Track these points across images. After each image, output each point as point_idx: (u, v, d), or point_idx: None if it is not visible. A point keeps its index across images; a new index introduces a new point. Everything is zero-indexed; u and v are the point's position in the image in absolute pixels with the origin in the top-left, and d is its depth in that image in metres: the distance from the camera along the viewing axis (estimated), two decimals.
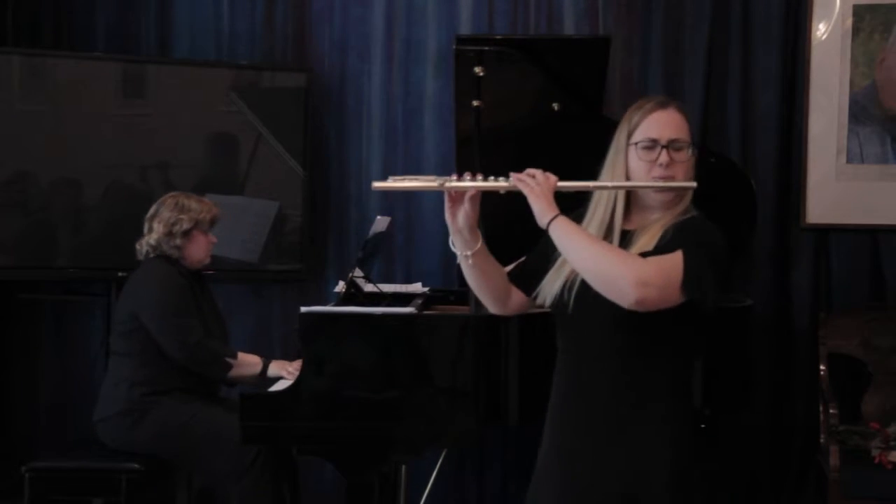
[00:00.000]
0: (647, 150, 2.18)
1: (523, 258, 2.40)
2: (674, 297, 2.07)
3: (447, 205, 2.22)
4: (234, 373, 3.62)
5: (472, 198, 2.20)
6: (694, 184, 2.19)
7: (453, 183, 2.18)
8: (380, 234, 3.99)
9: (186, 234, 3.66)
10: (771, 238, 4.33)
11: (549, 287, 2.23)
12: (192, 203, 3.71)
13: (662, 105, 2.22)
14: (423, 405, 3.05)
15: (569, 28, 4.46)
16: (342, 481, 3.19)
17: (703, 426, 3.47)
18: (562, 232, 2.13)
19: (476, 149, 3.36)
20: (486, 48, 3.34)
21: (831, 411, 3.87)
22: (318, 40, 4.61)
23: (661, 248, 2.11)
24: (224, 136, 4.44)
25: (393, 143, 4.57)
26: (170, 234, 3.65)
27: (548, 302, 2.24)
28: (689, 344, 2.20)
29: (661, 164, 2.17)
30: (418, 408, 3.06)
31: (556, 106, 3.45)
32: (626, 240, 2.20)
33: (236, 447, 3.32)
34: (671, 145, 2.18)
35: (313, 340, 3.09)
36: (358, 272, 3.75)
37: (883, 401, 4.12)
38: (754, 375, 3.73)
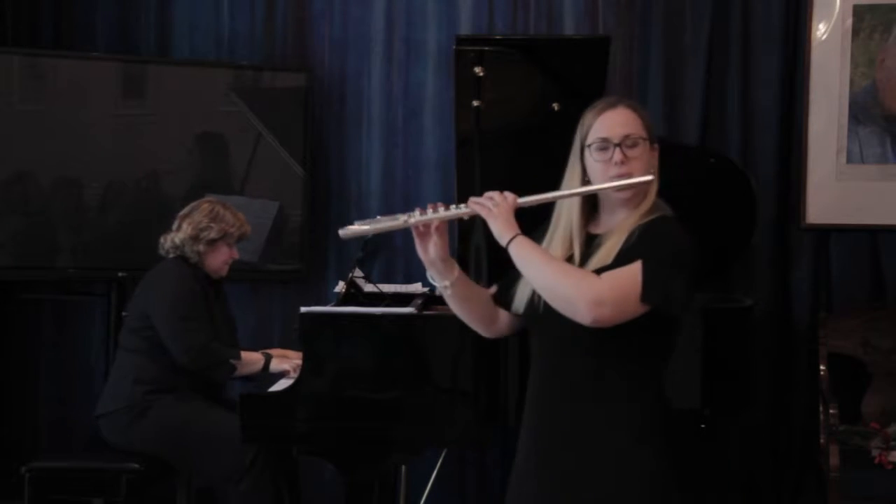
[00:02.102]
0: (602, 151, 2.19)
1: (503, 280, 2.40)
2: (633, 309, 2.09)
3: (417, 241, 2.24)
4: (238, 372, 3.64)
5: (439, 228, 2.23)
6: (650, 177, 2.19)
7: (416, 218, 2.21)
8: (380, 234, 3.98)
9: (212, 242, 3.68)
10: (771, 238, 4.33)
11: (522, 293, 2.25)
12: (228, 215, 3.72)
13: (612, 105, 2.23)
14: (423, 405, 3.05)
15: (569, 28, 4.46)
16: (342, 481, 3.19)
17: (703, 426, 3.47)
18: (520, 253, 2.16)
19: (476, 149, 3.36)
20: (486, 48, 3.34)
21: (831, 411, 3.87)
22: (318, 40, 4.61)
23: (624, 253, 2.13)
24: (224, 136, 4.44)
25: (393, 143, 4.57)
26: (196, 238, 3.66)
27: (521, 308, 2.26)
28: (659, 348, 2.21)
29: (616, 163, 2.18)
30: (418, 408, 3.06)
31: (556, 106, 3.44)
32: (593, 244, 2.21)
33: (236, 447, 3.32)
34: (624, 142, 2.18)
35: (313, 340, 3.09)
36: (358, 272, 3.75)
37: (883, 401, 4.12)
38: (754, 375, 3.73)
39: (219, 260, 3.73)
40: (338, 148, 4.61)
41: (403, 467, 3.75)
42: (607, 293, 2.07)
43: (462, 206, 2.22)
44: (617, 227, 2.20)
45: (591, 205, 2.25)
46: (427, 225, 2.22)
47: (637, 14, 4.43)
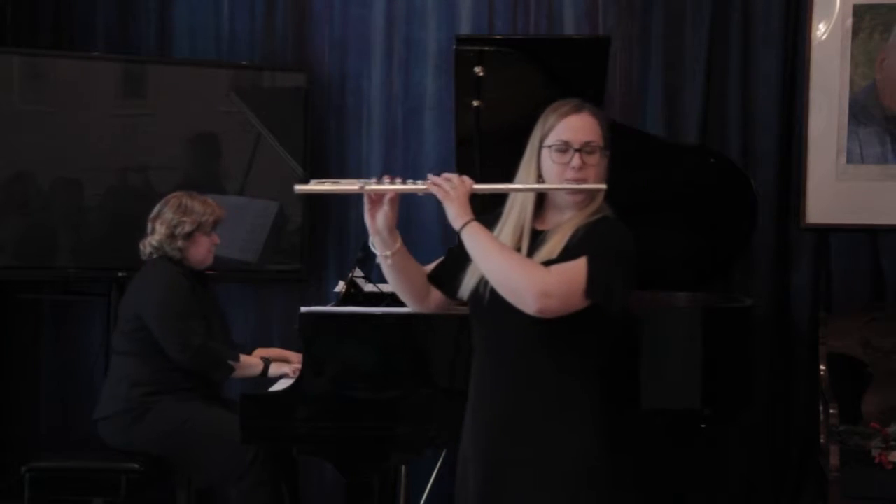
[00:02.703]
0: (561, 153, 2.25)
1: (442, 258, 2.47)
2: (577, 303, 2.15)
3: (367, 206, 2.31)
4: (235, 375, 3.65)
5: (391, 200, 2.29)
6: (604, 186, 2.26)
7: (373, 186, 2.27)
8: None
9: (188, 236, 3.66)
10: (771, 238, 4.33)
11: (468, 280, 2.31)
12: (196, 204, 3.70)
13: (577, 109, 2.28)
14: (423, 405, 3.05)
15: (569, 28, 4.46)
16: (342, 481, 3.19)
17: (703, 426, 3.47)
18: (473, 238, 2.22)
19: (476, 149, 3.36)
20: (486, 48, 3.33)
21: (831, 411, 3.87)
22: (318, 40, 4.61)
23: (569, 250, 2.18)
24: (224, 136, 4.44)
25: (393, 143, 4.57)
26: (172, 237, 3.65)
27: (465, 294, 2.32)
28: (595, 344, 2.25)
29: (573, 167, 2.24)
30: (418, 408, 3.06)
31: None
32: (538, 240, 2.27)
33: (236, 447, 3.32)
34: (584, 148, 2.24)
35: (313, 340, 3.09)
36: (358, 272, 3.75)
37: (883, 401, 4.12)
38: (754, 375, 3.73)
39: (201, 250, 3.71)
40: (338, 148, 4.61)
41: (403, 467, 3.75)
42: (555, 286, 2.14)
43: (420, 182, 2.28)
44: (563, 224, 2.26)
45: (538, 201, 2.32)
46: (381, 195, 2.28)
47: (637, 14, 4.43)
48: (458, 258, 2.34)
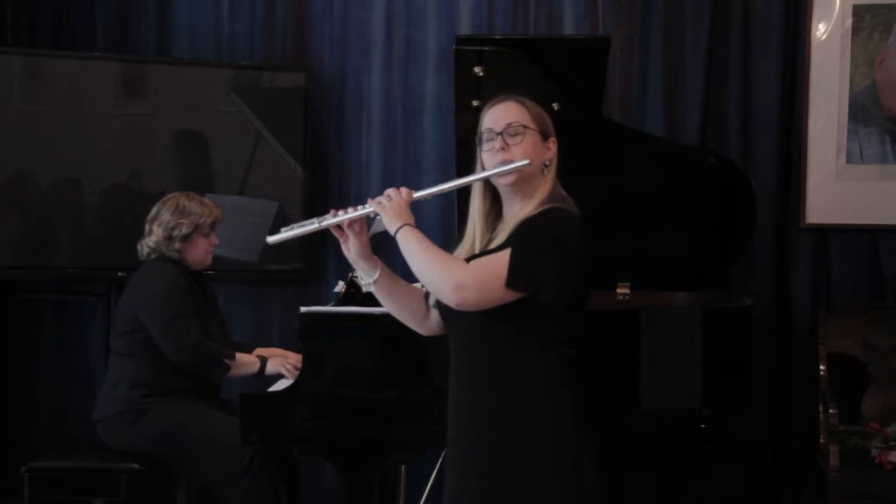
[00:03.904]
0: (488, 142, 2.32)
1: None
2: (497, 295, 2.20)
3: (341, 241, 2.40)
4: (232, 373, 3.63)
5: (353, 228, 2.37)
6: (524, 161, 2.27)
7: (328, 220, 2.36)
8: (380, 235, 3.97)
9: (186, 237, 3.65)
10: (771, 238, 4.32)
11: None
12: (194, 206, 3.69)
13: (501, 100, 2.36)
14: (424, 405, 3.05)
15: (569, 28, 4.46)
16: (342, 481, 3.19)
17: (703, 426, 3.47)
18: (403, 242, 2.31)
19: (476, 149, 3.35)
20: (486, 48, 3.34)
21: (831, 411, 3.87)
22: (318, 40, 4.61)
23: (506, 242, 2.24)
24: (224, 136, 4.44)
25: (393, 143, 4.57)
26: (169, 238, 3.64)
27: (431, 300, 2.40)
28: (549, 335, 2.26)
29: (497, 149, 2.30)
30: (418, 408, 3.06)
31: (556, 106, 3.44)
32: (491, 236, 2.34)
33: (235, 448, 3.31)
34: (506, 131, 2.30)
35: (313, 340, 3.09)
36: (358, 272, 3.74)
37: (883, 401, 4.12)
38: (754, 375, 3.73)
39: (199, 252, 3.70)
40: (338, 148, 4.61)
41: (403, 467, 3.75)
42: (470, 279, 2.20)
43: (364, 206, 2.37)
44: (512, 217, 2.31)
45: (493, 198, 2.37)
46: (339, 226, 2.37)
47: (637, 14, 4.42)
48: None
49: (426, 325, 2.48)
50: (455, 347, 2.36)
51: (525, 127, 2.30)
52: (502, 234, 2.28)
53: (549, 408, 2.25)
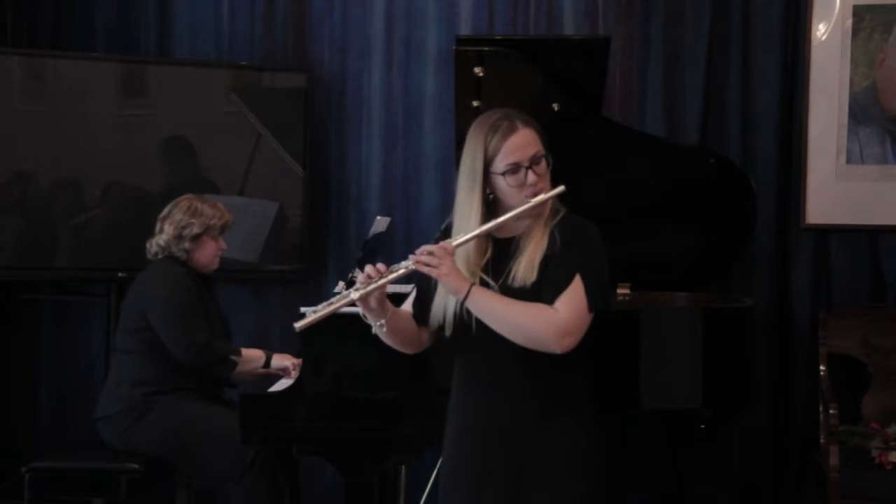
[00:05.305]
0: (514, 175, 2.29)
1: (414, 293, 2.46)
2: (587, 323, 2.26)
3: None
4: (239, 369, 3.63)
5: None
6: (562, 188, 2.30)
7: (361, 291, 2.24)
8: (379, 235, 3.98)
9: (196, 238, 3.67)
10: (771, 238, 4.32)
11: (442, 312, 2.33)
12: (206, 208, 3.71)
13: (511, 128, 2.31)
14: (423, 405, 3.05)
15: (569, 28, 4.46)
16: (342, 481, 3.19)
17: (703, 426, 3.47)
18: (479, 305, 2.25)
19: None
20: (486, 48, 3.34)
21: (831, 411, 3.87)
22: (318, 40, 4.61)
23: (550, 261, 2.25)
24: (224, 136, 4.44)
25: (393, 143, 4.57)
26: (179, 238, 3.66)
27: (448, 330, 2.33)
28: (581, 352, 2.30)
29: (530, 184, 2.29)
30: (418, 408, 3.06)
31: (556, 106, 3.44)
32: (510, 247, 2.31)
33: (236, 447, 3.32)
34: (533, 162, 2.29)
35: (313, 340, 3.09)
36: (358, 272, 3.74)
37: (883, 401, 4.12)
38: (754, 376, 3.73)
39: (207, 254, 3.72)
40: (338, 148, 4.61)
41: (403, 467, 3.75)
42: (571, 323, 2.23)
43: (403, 263, 2.26)
44: (531, 229, 2.31)
45: (485, 212, 2.32)
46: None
47: (637, 14, 4.42)
48: (426, 289, 2.38)
49: (421, 346, 2.47)
50: (486, 373, 2.35)
51: (543, 154, 2.31)
52: (529, 252, 2.27)
53: (579, 403, 2.34)
